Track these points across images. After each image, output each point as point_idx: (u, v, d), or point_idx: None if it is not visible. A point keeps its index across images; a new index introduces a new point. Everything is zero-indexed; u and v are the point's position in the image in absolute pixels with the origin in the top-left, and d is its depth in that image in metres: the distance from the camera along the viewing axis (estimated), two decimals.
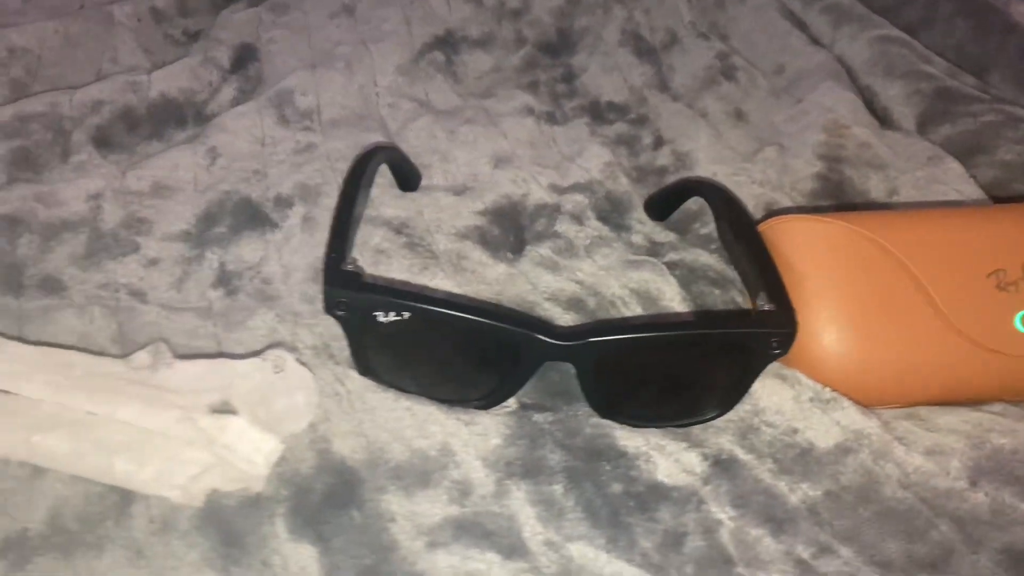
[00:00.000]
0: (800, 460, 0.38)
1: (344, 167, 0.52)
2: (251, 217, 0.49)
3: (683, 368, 0.39)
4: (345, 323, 0.37)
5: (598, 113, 0.64)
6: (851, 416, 0.39)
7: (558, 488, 0.35)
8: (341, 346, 0.41)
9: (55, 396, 0.33)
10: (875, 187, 0.56)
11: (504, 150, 0.57)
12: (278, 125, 0.57)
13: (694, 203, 0.54)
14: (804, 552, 0.34)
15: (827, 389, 0.41)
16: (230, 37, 0.64)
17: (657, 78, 0.67)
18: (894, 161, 0.57)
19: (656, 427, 0.39)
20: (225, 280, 0.45)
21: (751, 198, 0.53)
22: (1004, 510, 0.36)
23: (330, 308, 0.36)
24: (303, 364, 0.37)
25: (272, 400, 0.35)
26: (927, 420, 0.40)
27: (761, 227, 0.44)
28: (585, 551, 0.33)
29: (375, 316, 0.37)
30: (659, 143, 0.61)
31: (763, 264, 0.40)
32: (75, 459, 0.32)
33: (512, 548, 0.32)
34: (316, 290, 0.44)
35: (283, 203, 0.50)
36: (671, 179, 0.57)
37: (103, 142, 0.54)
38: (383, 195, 0.51)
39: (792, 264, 0.41)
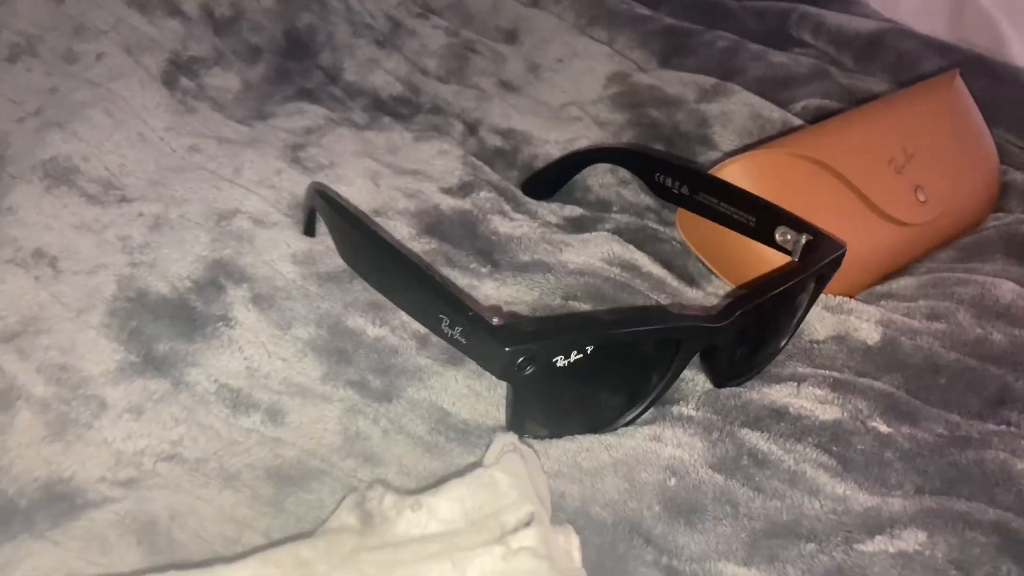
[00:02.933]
0: (867, 357, 0.43)
1: (235, 232, 0.43)
2: (185, 318, 0.38)
3: (783, 313, 0.40)
4: (524, 382, 0.32)
5: (390, 109, 0.61)
6: (864, 308, 0.45)
7: (781, 455, 0.35)
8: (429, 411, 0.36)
9: None
10: (684, 120, 0.61)
11: (363, 167, 0.52)
12: (89, 204, 0.44)
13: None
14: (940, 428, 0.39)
15: (828, 296, 0.46)
16: None
17: (412, 64, 0.65)
18: (682, 95, 0.63)
19: (749, 378, 0.40)
20: (243, 402, 0.35)
21: None
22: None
23: (511, 369, 0.32)
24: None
25: (537, 492, 0.29)
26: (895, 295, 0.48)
27: (715, 172, 0.47)
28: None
29: (555, 363, 0.32)
30: (471, 129, 0.60)
31: (760, 205, 0.43)
32: None
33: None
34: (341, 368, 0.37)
35: (206, 289, 0.40)
36: (519, 159, 0.56)
37: None
38: (289, 240, 0.43)
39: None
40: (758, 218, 0.45)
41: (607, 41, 0.71)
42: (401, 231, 0.47)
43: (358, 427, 0.34)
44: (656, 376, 0.37)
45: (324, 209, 0.40)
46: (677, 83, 0.64)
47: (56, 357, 0.35)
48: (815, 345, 0.44)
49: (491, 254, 0.46)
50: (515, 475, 0.28)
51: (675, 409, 0.37)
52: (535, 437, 0.35)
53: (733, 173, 0.47)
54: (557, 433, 0.35)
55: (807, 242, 0.42)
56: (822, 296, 0.45)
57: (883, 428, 0.38)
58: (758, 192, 0.45)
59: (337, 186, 0.49)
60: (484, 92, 0.63)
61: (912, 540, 0.32)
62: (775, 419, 0.38)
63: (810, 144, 0.48)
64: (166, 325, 0.37)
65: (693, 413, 0.37)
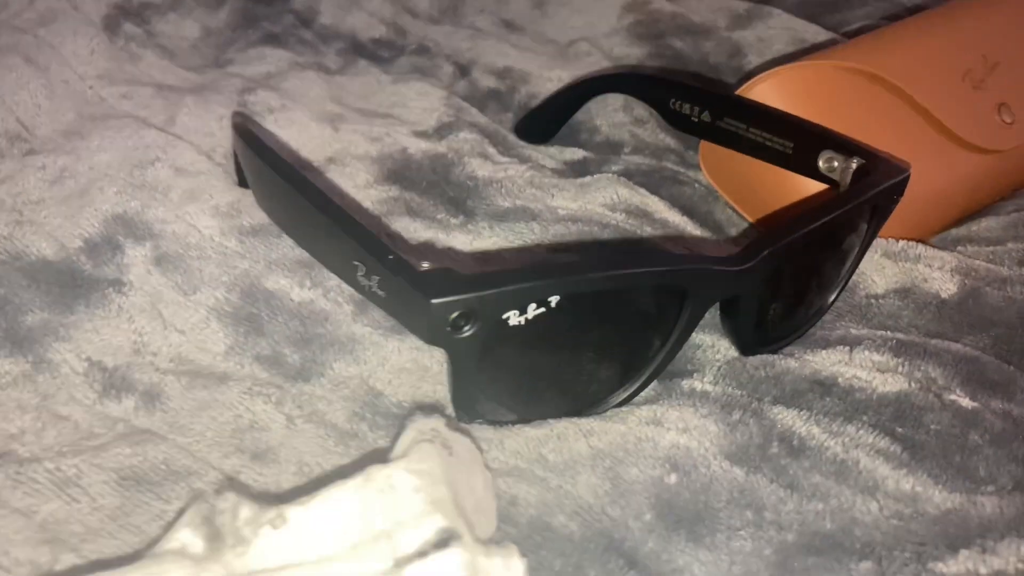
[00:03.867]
0: (941, 313, 0.32)
1: (147, 181, 0.35)
2: (68, 284, 0.30)
3: (828, 258, 0.30)
4: (464, 347, 0.23)
5: (370, 52, 0.52)
6: (936, 254, 0.34)
7: (825, 438, 0.26)
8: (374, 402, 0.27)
9: None
10: (713, 51, 0.52)
11: (322, 109, 0.43)
12: None
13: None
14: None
15: (889, 240, 0.35)
16: None
17: (399, 4, 0.56)
18: (711, 22, 0.53)
19: (787, 343, 0.31)
20: (121, 381, 0.26)
21: None
22: None
23: (442, 330, 0.22)
24: (454, 430, 0.22)
25: (464, 500, 0.20)
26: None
27: (740, 92, 0.37)
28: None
29: (506, 320, 0.23)
30: (463, 70, 0.51)
31: (797, 126, 0.34)
32: None
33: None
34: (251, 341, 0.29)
35: (101, 250, 0.31)
36: (515, 100, 0.47)
37: None
38: (214, 191, 0.35)
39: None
40: (796, 143, 0.35)
41: None
42: (356, 178, 0.38)
43: (254, 415, 0.25)
44: (657, 340, 0.27)
45: (240, 148, 0.32)
46: (705, 9, 0.55)
47: None
48: (873, 301, 0.34)
49: (464, 202, 0.37)
50: (426, 475, 0.19)
51: (685, 383, 0.28)
52: (493, 424, 0.26)
53: (765, 92, 0.37)
54: (524, 418, 0.26)
55: (858, 167, 0.32)
56: (880, 240, 0.35)
57: (965, 402, 0.28)
58: (797, 112, 0.35)
59: (286, 131, 0.41)
60: (480, 31, 0.55)
61: (1011, 555, 0.22)
62: (819, 393, 0.28)
63: (863, 55, 0.38)
64: (41, 293, 0.29)
65: (709, 388, 0.28)
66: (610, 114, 0.47)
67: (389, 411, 0.27)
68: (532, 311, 0.24)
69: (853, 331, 0.33)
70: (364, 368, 0.29)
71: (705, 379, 0.29)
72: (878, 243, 0.36)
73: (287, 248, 0.33)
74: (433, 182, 0.39)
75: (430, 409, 0.27)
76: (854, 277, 0.34)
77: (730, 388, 0.28)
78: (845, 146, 0.34)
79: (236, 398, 0.27)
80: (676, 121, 0.41)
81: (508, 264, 0.32)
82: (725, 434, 0.26)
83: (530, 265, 0.28)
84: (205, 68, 0.48)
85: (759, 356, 0.30)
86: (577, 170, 0.43)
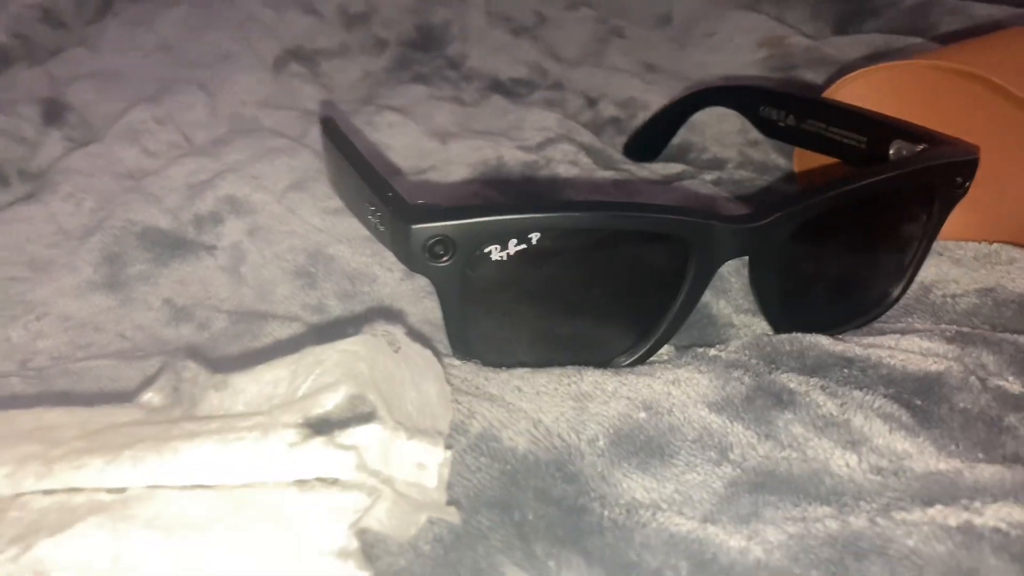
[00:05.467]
0: (1019, 311, 0.29)
1: (265, 174, 0.40)
2: (171, 246, 0.34)
3: (878, 236, 0.29)
4: (446, 276, 0.24)
5: (507, 89, 0.55)
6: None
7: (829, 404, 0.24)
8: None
9: (42, 480, 0.18)
10: None
11: (440, 127, 0.46)
12: (145, 156, 0.42)
13: (676, 138, 0.48)
14: None
15: (981, 243, 0.33)
16: (23, 96, 0.49)
17: (546, 50, 0.59)
18: (845, 55, 0.52)
19: (844, 329, 0.30)
20: (183, 315, 0.30)
21: None
22: None
23: (421, 255, 0.24)
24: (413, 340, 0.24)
25: (401, 395, 0.21)
26: None
27: (827, 95, 0.36)
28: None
29: (487, 254, 0.24)
30: (592, 102, 0.52)
31: (870, 120, 0.32)
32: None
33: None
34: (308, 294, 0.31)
35: (207, 222, 0.36)
36: (632, 126, 0.48)
37: None
38: (317, 187, 0.39)
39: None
40: (868, 136, 0.35)
41: (775, 17, 0.61)
42: (448, 178, 0.41)
43: (277, 340, 0.28)
44: (663, 300, 0.28)
45: (324, 142, 0.36)
46: (845, 44, 0.54)
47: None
48: (949, 299, 0.32)
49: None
50: (350, 354, 0.21)
51: (701, 350, 0.28)
52: (492, 365, 0.27)
53: (854, 92, 0.37)
54: (524, 362, 0.27)
55: (920, 152, 0.31)
56: (972, 243, 0.33)
57: (1015, 387, 0.26)
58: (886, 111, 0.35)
59: (395, 140, 0.45)
60: (619, 70, 0.57)
61: (996, 516, 0.21)
62: (840, 366, 0.27)
63: (964, 55, 0.37)
64: (146, 251, 0.35)
65: (722, 355, 0.28)
66: (724, 135, 0.48)
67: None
68: (513, 247, 0.26)
69: (917, 324, 0.31)
70: (399, 322, 0.31)
71: (726, 349, 0.29)
72: (967, 246, 0.34)
73: (359, 227, 0.36)
74: (514, 181, 0.41)
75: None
76: (934, 278, 0.32)
77: (745, 356, 0.28)
78: (914, 134, 0.33)
79: (269, 328, 0.30)
80: (767, 128, 0.41)
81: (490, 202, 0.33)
82: (715, 388, 0.26)
83: (514, 202, 0.29)
84: (354, 101, 0.54)
85: (793, 335, 0.29)
86: (671, 181, 0.43)
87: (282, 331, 0.30)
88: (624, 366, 0.28)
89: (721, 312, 0.32)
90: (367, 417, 0.20)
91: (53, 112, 0.49)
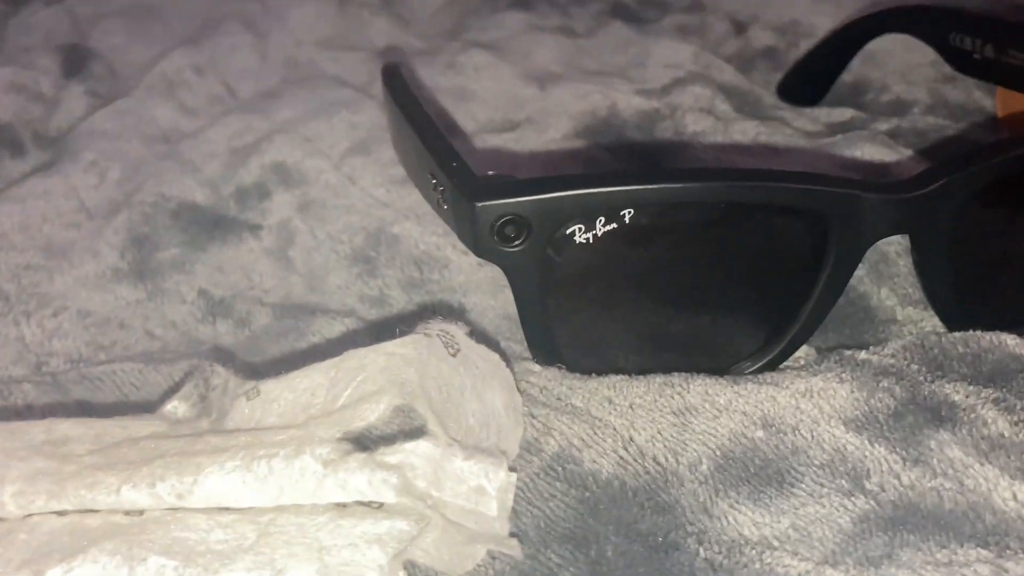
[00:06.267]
0: None
1: (321, 134, 0.44)
2: (209, 226, 0.38)
3: None
4: (520, 263, 0.26)
5: (631, 13, 0.57)
6: None
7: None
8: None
9: (53, 499, 0.22)
10: None
11: (540, 69, 0.49)
12: (180, 115, 0.46)
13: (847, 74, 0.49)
14: None
15: None
16: (39, 42, 0.54)
17: None
18: None
19: None
20: (220, 309, 0.34)
21: None
22: None
23: (489, 239, 0.27)
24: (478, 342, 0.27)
25: (458, 405, 0.24)
26: None
27: None
28: None
29: (570, 236, 0.26)
30: (740, 28, 0.54)
31: None
32: None
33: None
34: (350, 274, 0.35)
35: (251, 196, 0.39)
36: (791, 59, 0.50)
37: None
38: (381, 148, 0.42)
39: None
40: None
41: None
42: (542, 136, 0.44)
43: (327, 341, 0.32)
44: (797, 290, 0.30)
45: (384, 96, 0.39)
46: None
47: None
48: None
49: (657, 161, 0.42)
50: (398, 358, 0.24)
51: (850, 353, 0.30)
52: (579, 372, 0.30)
53: None
54: (619, 369, 0.30)
55: None
56: None
57: None
58: None
59: (483, 86, 0.48)
60: None
61: None
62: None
63: None
64: (180, 232, 0.39)
65: (876, 359, 0.30)
66: (911, 70, 0.49)
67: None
68: (601, 226, 0.28)
69: None
70: (467, 315, 0.34)
71: (880, 351, 0.31)
72: None
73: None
74: (630, 140, 0.44)
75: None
76: None
77: (904, 361, 0.30)
78: None
79: (317, 325, 0.33)
80: (958, 62, 0.42)
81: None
82: (856, 401, 0.28)
83: (600, 172, 0.31)
84: (436, 36, 0.57)
85: (969, 332, 0.31)
86: (835, 131, 0.45)
87: (333, 328, 0.33)
88: (748, 373, 0.30)
89: (883, 304, 0.33)
90: (416, 432, 0.23)
91: (75, 61, 0.54)
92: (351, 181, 0.41)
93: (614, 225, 0.28)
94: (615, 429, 0.27)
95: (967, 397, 0.27)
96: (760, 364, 0.30)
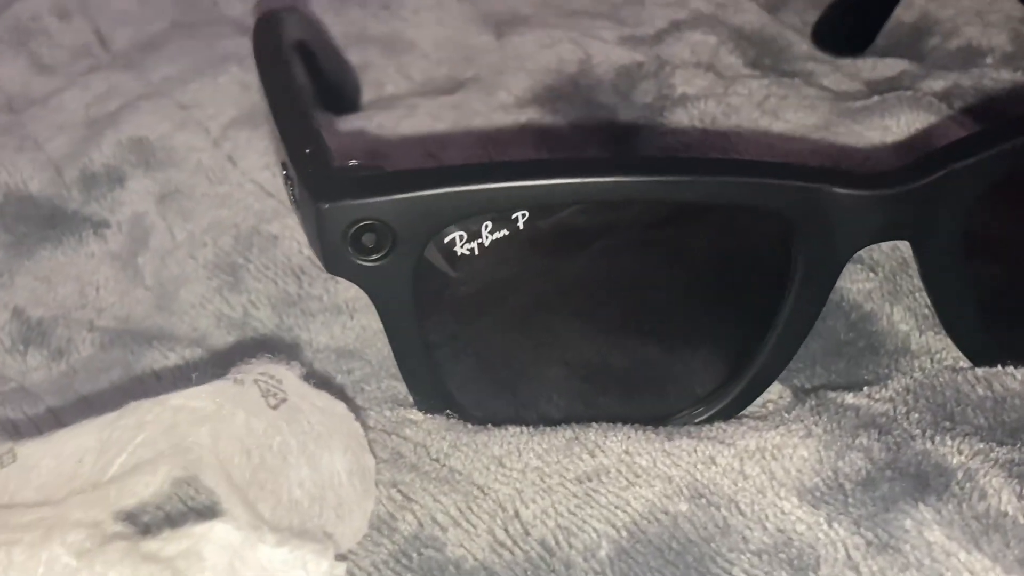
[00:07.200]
0: None
1: (201, 99, 0.43)
2: (42, 223, 0.38)
3: None
4: (383, 282, 0.27)
5: None
6: None
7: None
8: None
9: None
10: None
11: (502, 10, 0.49)
12: (33, 74, 0.47)
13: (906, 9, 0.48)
14: None
15: None
16: None
17: None
18: None
19: None
20: (35, 335, 0.34)
21: None
22: None
23: (342, 249, 0.27)
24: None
25: (277, 474, 0.24)
26: None
27: None
28: None
29: (448, 246, 0.26)
30: None
31: None
32: None
33: None
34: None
35: (100, 183, 0.40)
36: None
37: None
38: None
39: None
40: None
41: None
42: (490, 99, 0.44)
43: (160, 382, 0.32)
44: (757, 318, 0.30)
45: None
46: None
47: None
48: None
49: (630, 137, 0.42)
50: (191, 413, 0.25)
51: (835, 395, 0.30)
52: (474, 421, 0.30)
53: None
54: (527, 417, 0.30)
55: None
56: None
57: None
58: None
59: (415, 32, 0.48)
60: None
61: None
62: None
63: None
64: (4, 232, 0.39)
65: (866, 403, 0.30)
66: (994, 5, 0.48)
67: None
68: (487, 233, 0.28)
69: None
70: (351, 343, 0.34)
71: (879, 392, 0.30)
72: None
73: None
74: (601, 104, 0.44)
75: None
76: None
77: (903, 407, 0.30)
78: None
79: (151, 356, 0.34)
80: None
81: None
82: (819, 461, 0.28)
83: (494, 163, 0.31)
84: None
85: (996, 369, 0.31)
86: (876, 91, 0.45)
87: (169, 361, 0.33)
88: (699, 422, 0.30)
89: (894, 329, 0.33)
90: (208, 511, 0.23)
91: None
92: (231, 162, 0.41)
93: (504, 232, 0.28)
94: (498, 501, 0.27)
95: (969, 459, 0.27)
96: (714, 411, 0.30)
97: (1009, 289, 0.30)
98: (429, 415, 0.30)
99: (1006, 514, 0.26)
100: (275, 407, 0.25)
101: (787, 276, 0.29)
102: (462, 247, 0.28)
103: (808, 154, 0.38)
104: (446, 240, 0.28)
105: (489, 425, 0.30)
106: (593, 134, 0.41)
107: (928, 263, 0.29)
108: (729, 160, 0.28)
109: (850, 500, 0.26)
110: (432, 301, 0.29)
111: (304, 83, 0.34)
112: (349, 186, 0.28)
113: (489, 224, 0.28)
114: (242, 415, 0.25)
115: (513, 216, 0.28)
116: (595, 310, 0.29)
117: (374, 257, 0.28)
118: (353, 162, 0.29)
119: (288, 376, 0.26)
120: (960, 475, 0.27)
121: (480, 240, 0.28)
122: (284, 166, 0.30)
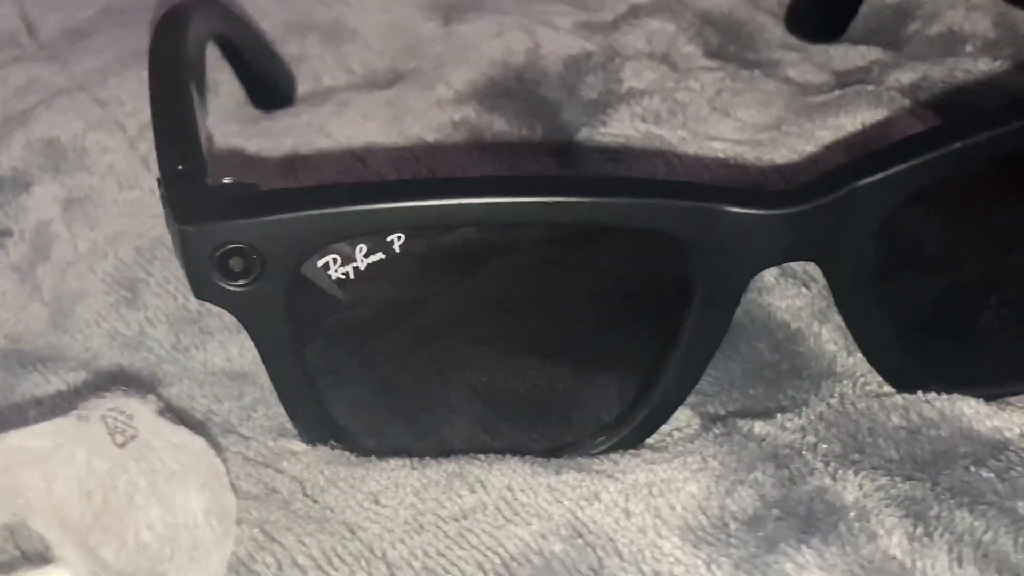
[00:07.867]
0: None
1: (122, 95, 0.45)
2: None
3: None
4: (253, 308, 0.28)
5: None
6: None
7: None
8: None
9: None
10: None
11: None
12: None
13: None
14: None
15: None
16: None
17: None
18: None
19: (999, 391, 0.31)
20: None
21: None
22: None
23: (209, 274, 0.28)
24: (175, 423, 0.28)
25: (122, 517, 0.25)
26: None
27: None
28: None
29: (321, 270, 0.28)
30: None
31: None
32: None
33: None
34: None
35: (5, 189, 0.41)
36: None
37: None
38: (227, 126, 0.43)
39: None
40: None
41: None
42: (428, 95, 0.46)
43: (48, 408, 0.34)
44: (651, 345, 0.31)
45: None
46: None
47: None
48: None
49: (574, 132, 0.43)
50: (23, 454, 0.26)
51: (744, 424, 0.31)
52: (359, 451, 0.31)
53: None
54: (415, 448, 0.31)
55: None
56: None
57: None
58: None
59: (357, 18, 0.49)
60: None
61: None
62: (977, 458, 0.29)
63: None
64: None
65: (773, 431, 0.31)
66: None
67: None
68: (362, 256, 0.30)
69: None
70: (247, 362, 0.36)
71: (791, 421, 0.31)
72: None
73: None
74: (544, 100, 0.45)
75: None
76: None
77: (813, 436, 0.31)
78: None
79: (32, 382, 0.35)
80: None
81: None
82: (707, 497, 0.29)
83: (366, 183, 0.32)
84: None
85: (915, 396, 0.32)
86: (843, 83, 0.45)
87: (49, 388, 0.34)
88: (597, 453, 0.31)
89: (822, 349, 0.34)
90: (37, 558, 0.25)
91: None
92: (145, 166, 0.42)
93: (380, 255, 0.29)
94: (366, 543, 0.28)
95: (867, 496, 0.28)
96: (615, 440, 0.31)
97: (928, 310, 0.31)
98: (312, 447, 0.30)
99: (893, 557, 0.26)
100: (122, 444, 0.27)
101: (687, 299, 0.30)
102: (336, 271, 0.29)
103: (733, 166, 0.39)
104: (319, 264, 0.29)
105: (373, 457, 0.30)
106: (536, 133, 0.42)
107: (839, 285, 0.30)
108: (619, 179, 0.29)
109: (732, 540, 0.27)
110: (308, 327, 0.30)
111: (194, 90, 0.35)
112: (215, 207, 0.29)
113: (364, 247, 0.28)
114: (83, 454, 0.26)
115: (388, 239, 0.28)
116: (486, 337, 0.30)
117: (242, 282, 0.29)
118: (227, 180, 0.30)
119: (140, 411, 0.27)
120: (852, 514, 0.27)
121: (355, 264, 0.29)
122: (159, 180, 0.31)
